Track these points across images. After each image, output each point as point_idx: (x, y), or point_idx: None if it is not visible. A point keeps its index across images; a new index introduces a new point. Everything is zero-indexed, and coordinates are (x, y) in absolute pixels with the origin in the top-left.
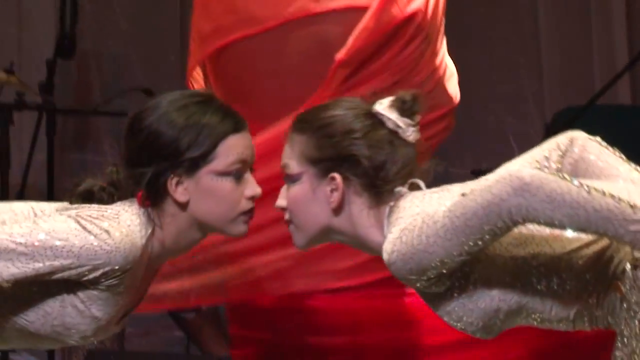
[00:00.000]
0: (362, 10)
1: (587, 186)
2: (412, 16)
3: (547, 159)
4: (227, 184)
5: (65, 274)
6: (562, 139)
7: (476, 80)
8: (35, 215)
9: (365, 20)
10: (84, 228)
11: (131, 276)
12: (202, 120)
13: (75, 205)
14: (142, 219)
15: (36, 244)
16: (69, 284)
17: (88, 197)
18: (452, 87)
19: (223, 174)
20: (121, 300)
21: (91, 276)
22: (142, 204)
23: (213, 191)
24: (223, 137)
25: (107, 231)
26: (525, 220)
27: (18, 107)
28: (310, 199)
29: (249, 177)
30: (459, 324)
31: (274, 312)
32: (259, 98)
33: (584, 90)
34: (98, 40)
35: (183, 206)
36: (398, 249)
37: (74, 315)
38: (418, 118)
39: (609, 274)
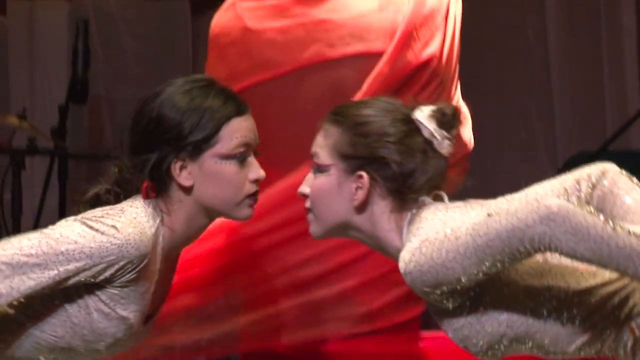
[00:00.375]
0: (377, 55)
1: (613, 222)
2: (427, 62)
3: (577, 188)
4: (231, 167)
5: (82, 276)
6: (594, 170)
7: (489, 127)
8: None
9: (380, 65)
10: (91, 228)
11: (148, 268)
12: (205, 103)
13: (82, 213)
14: (148, 210)
15: (47, 252)
16: (89, 290)
17: (95, 203)
18: (467, 132)
19: (227, 157)
20: (144, 296)
21: (107, 274)
22: (147, 195)
23: (217, 175)
24: (226, 120)
25: (114, 226)
26: (546, 249)
27: (30, 152)
28: (334, 192)
29: (252, 160)
30: (462, 343)
31: (288, 357)
32: (273, 143)
33: (596, 136)
34: (110, 86)
35: (188, 191)
36: (417, 259)
37: (101, 319)
38: (455, 132)
39: (622, 315)
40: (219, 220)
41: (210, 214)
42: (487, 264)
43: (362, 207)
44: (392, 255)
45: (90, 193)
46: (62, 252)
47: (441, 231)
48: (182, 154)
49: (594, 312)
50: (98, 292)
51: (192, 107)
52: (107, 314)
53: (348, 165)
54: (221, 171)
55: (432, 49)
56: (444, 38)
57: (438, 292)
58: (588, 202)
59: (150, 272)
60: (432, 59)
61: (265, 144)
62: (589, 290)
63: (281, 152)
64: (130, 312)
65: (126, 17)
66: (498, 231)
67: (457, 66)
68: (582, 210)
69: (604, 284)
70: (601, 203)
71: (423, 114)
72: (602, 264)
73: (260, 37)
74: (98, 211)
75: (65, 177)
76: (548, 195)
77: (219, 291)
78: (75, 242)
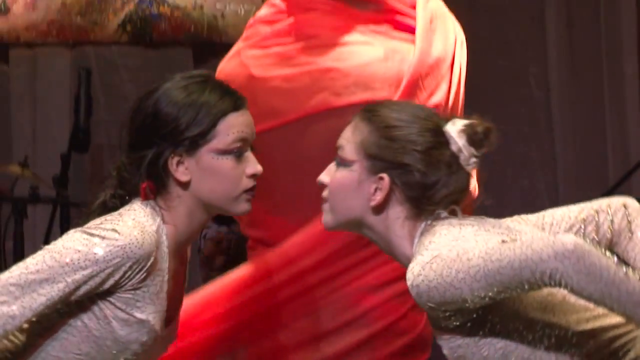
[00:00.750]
0: None
1: (626, 267)
2: None
3: (595, 219)
4: (227, 162)
5: (91, 284)
6: (614, 202)
7: (491, 174)
8: None
9: None
10: (92, 235)
11: (156, 267)
12: (201, 98)
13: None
14: (146, 210)
15: (52, 265)
16: (104, 299)
17: (102, 211)
18: (472, 180)
19: (223, 152)
20: (158, 296)
21: (116, 277)
22: (146, 196)
23: (214, 170)
24: (222, 115)
25: (114, 230)
26: (556, 285)
27: (32, 200)
28: (353, 188)
29: (249, 155)
30: None
31: None
32: (277, 190)
33: (598, 184)
34: (112, 134)
35: (185, 186)
36: (426, 274)
37: (121, 326)
38: (483, 151)
39: None
40: (221, 284)
41: (209, 209)
42: (495, 289)
43: (378, 209)
44: (400, 261)
45: (96, 202)
46: (67, 263)
47: (454, 250)
48: (179, 150)
49: (591, 355)
50: (112, 300)
51: (188, 103)
52: (126, 320)
53: (371, 165)
54: (218, 166)
55: (437, 98)
56: (449, 87)
57: (442, 309)
58: (604, 235)
59: (159, 271)
60: (438, 107)
61: (270, 191)
62: (589, 333)
63: (286, 198)
64: (148, 314)
65: (128, 65)
66: (511, 259)
67: (462, 115)
68: (597, 252)
69: (605, 329)
70: (617, 237)
71: (454, 128)
72: (610, 307)
73: (266, 85)
74: (98, 220)
75: (68, 226)
76: (565, 222)
77: (223, 353)
78: (79, 251)
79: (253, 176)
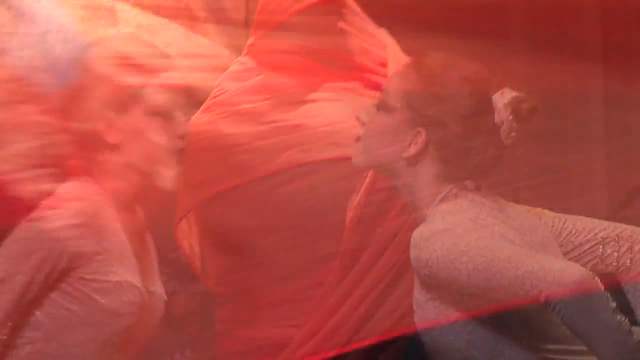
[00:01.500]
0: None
1: (622, 316)
2: None
3: (614, 243)
4: (157, 123)
5: (49, 265)
6: (637, 233)
7: None
8: None
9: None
10: (33, 220)
11: (107, 229)
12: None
13: None
14: (78, 183)
15: (3, 262)
16: (74, 278)
17: None
18: None
19: (152, 113)
20: (125, 256)
21: (71, 249)
22: (74, 170)
23: (144, 131)
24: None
25: (48, 207)
26: (548, 308)
27: None
28: (389, 134)
29: (179, 116)
30: (421, 330)
31: None
32: (246, 247)
33: None
34: None
35: (116, 149)
36: (433, 242)
37: (102, 296)
38: (522, 126)
39: None
40: None
41: (142, 171)
42: (489, 285)
43: (410, 161)
44: (414, 215)
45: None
46: (18, 254)
47: (468, 232)
48: (108, 112)
49: None
50: (82, 275)
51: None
52: (104, 288)
53: (412, 117)
54: (147, 128)
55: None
56: None
57: (434, 282)
58: (621, 260)
59: (114, 231)
60: None
61: (239, 247)
62: None
63: (255, 255)
64: (122, 274)
65: None
66: (517, 265)
67: None
68: (601, 292)
69: None
70: (633, 265)
71: (503, 100)
72: (592, 347)
73: (235, 141)
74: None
75: None
76: (583, 235)
77: None
78: (26, 238)
79: (182, 137)
